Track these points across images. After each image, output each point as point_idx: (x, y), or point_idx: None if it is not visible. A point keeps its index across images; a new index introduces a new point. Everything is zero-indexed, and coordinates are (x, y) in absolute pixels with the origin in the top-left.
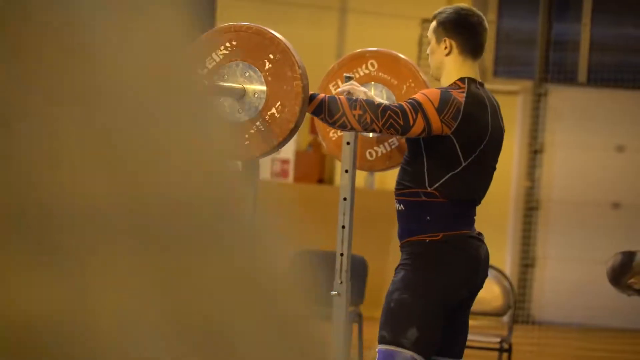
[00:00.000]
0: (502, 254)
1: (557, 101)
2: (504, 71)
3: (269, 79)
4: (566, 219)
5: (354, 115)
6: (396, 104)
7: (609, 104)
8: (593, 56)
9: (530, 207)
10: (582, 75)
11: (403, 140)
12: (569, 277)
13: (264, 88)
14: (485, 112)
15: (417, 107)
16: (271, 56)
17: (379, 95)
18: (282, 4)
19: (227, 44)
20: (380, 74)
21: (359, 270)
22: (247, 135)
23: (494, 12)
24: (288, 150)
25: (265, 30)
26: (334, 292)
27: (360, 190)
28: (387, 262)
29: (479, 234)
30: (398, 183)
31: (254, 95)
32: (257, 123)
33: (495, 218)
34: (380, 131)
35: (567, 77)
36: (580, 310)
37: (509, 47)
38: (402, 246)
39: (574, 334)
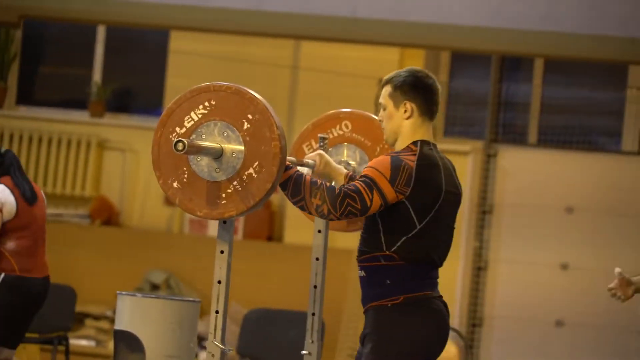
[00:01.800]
0: (451, 311)
1: (507, 162)
2: (454, 131)
3: (247, 139)
4: (514, 278)
5: (313, 204)
6: (352, 186)
7: (559, 165)
8: (543, 117)
9: (479, 267)
10: (533, 136)
11: None
12: (517, 336)
13: (242, 148)
14: (438, 173)
15: (371, 185)
16: (250, 116)
17: (352, 156)
18: (233, 60)
19: (206, 103)
20: (354, 134)
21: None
22: (223, 195)
23: (446, 73)
24: None
25: (245, 90)
26: (304, 352)
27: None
28: (341, 321)
29: (440, 296)
30: (359, 250)
31: (231, 154)
32: (235, 182)
33: (444, 277)
34: (339, 219)
35: (517, 137)
36: None
37: (460, 108)
38: (365, 312)
39: None
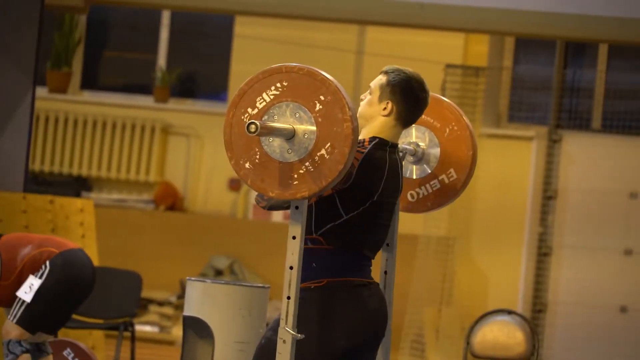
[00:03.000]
0: (514, 298)
1: (571, 147)
2: (518, 117)
3: (319, 120)
4: (578, 264)
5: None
6: None
7: (622, 151)
8: (607, 102)
9: (543, 253)
10: (597, 121)
11: (446, 182)
12: (581, 322)
13: (314, 129)
14: (379, 174)
15: None
16: (322, 97)
17: (421, 137)
18: (298, 45)
19: (278, 84)
20: (423, 116)
21: None
22: (295, 175)
23: (510, 58)
24: None
25: (317, 71)
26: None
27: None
28: (406, 305)
29: (372, 283)
30: None
31: (304, 135)
32: (307, 163)
33: (508, 263)
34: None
35: (581, 123)
36: None
37: (524, 93)
38: None
39: None
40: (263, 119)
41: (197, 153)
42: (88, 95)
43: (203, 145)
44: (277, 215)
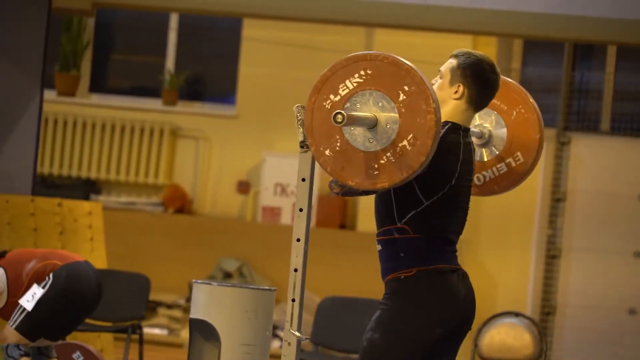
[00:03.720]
0: (523, 300)
1: (580, 149)
2: None
3: (403, 110)
4: (587, 266)
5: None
6: None
7: (631, 153)
8: (616, 104)
9: (551, 255)
10: (605, 123)
11: (513, 166)
12: (590, 325)
13: (397, 119)
14: (454, 158)
15: None
16: (406, 88)
17: (487, 120)
18: (306, 47)
19: (362, 72)
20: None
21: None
22: (376, 165)
23: (519, 61)
24: None
25: (402, 61)
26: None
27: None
28: None
29: (459, 270)
30: (376, 225)
31: (386, 125)
32: (388, 154)
33: (516, 266)
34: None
35: (590, 125)
36: None
37: (532, 95)
38: (385, 286)
39: None
40: (345, 106)
41: (205, 155)
42: (96, 98)
43: (211, 147)
44: (286, 218)
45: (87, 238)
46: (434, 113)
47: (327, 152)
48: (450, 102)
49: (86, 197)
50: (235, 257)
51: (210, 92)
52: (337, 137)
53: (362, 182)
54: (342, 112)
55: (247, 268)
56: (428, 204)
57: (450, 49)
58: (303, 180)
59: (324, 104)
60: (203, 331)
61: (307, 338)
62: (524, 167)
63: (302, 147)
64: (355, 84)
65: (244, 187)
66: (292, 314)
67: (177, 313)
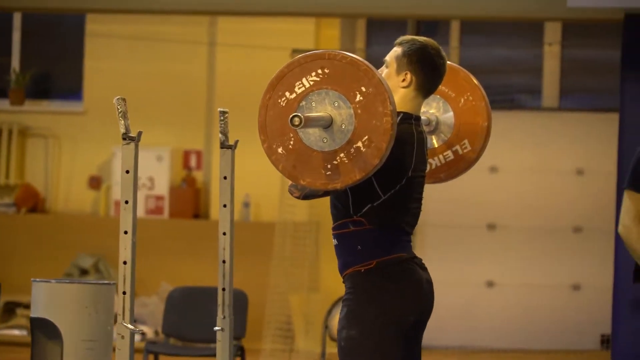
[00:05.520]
0: None
1: None
2: None
3: (359, 111)
4: (443, 240)
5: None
6: None
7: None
8: None
9: None
10: None
11: (460, 153)
12: (451, 300)
13: (352, 120)
14: (409, 149)
15: None
16: (363, 89)
17: (433, 105)
18: (150, 39)
19: (319, 71)
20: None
21: (239, 304)
22: (329, 166)
23: (363, 40)
24: (162, 187)
25: (361, 61)
26: (217, 328)
27: (236, 224)
28: (266, 294)
29: (417, 257)
30: (332, 219)
31: (341, 125)
32: (342, 154)
33: None
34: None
35: None
36: (462, 333)
37: None
38: (343, 281)
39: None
40: (301, 104)
41: (55, 153)
42: None
43: (61, 145)
44: (139, 211)
45: None
46: (391, 116)
47: (279, 150)
48: (398, 91)
49: None
50: (91, 254)
51: (57, 90)
52: (291, 135)
53: (314, 182)
54: (300, 115)
55: (103, 263)
56: (385, 197)
57: (295, 33)
58: (127, 172)
59: (279, 101)
60: (45, 330)
61: (140, 330)
62: (472, 154)
63: (124, 139)
64: (312, 82)
65: (95, 182)
66: (123, 307)
67: None
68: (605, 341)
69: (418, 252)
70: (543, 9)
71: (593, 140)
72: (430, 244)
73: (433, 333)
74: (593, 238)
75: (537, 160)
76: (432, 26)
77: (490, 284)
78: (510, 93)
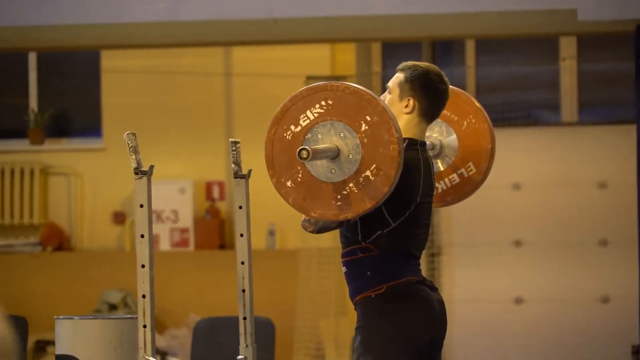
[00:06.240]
0: None
1: None
2: None
3: (365, 140)
4: (470, 259)
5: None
6: None
7: (501, 143)
8: (480, 98)
9: (432, 254)
10: None
11: (466, 176)
12: (479, 318)
13: (359, 150)
14: (417, 175)
15: None
16: (368, 118)
17: (436, 130)
18: (165, 72)
19: (323, 103)
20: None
21: (266, 332)
22: (339, 196)
23: (379, 64)
24: (186, 219)
25: (364, 90)
26: (240, 357)
27: (261, 252)
28: (294, 321)
29: (427, 280)
30: (342, 247)
31: (349, 156)
32: (351, 184)
33: None
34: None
35: None
36: (492, 350)
37: None
38: (355, 307)
39: None
40: (306, 137)
41: (78, 191)
42: None
43: (83, 182)
44: (165, 244)
45: None
46: (397, 143)
47: (288, 184)
48: (402, 117)
49: None
50: (119, 288)
51: (76, 128)
52: (299, 167)
53: (325, 213)
54: (307, 148)
55: (131, 298)
56: (395, 225)
57: (310, 60)
58: (141, 206)
59: (285, 134)
60: None
61: None
62: (477, 176)
63: (136, 173)
64: (316, 114)
65: (119, 217)
66: (144, 340)
67: None
68: (636, 352)
69: (445, 273)
70: (554, 23)
71: (614, 152)
72: (458, 264)
73: (461, 349)
74: (619, 250)
75: (559, 175)
76: (447, 46)
77: (518, 301)
78: (529, 109)
